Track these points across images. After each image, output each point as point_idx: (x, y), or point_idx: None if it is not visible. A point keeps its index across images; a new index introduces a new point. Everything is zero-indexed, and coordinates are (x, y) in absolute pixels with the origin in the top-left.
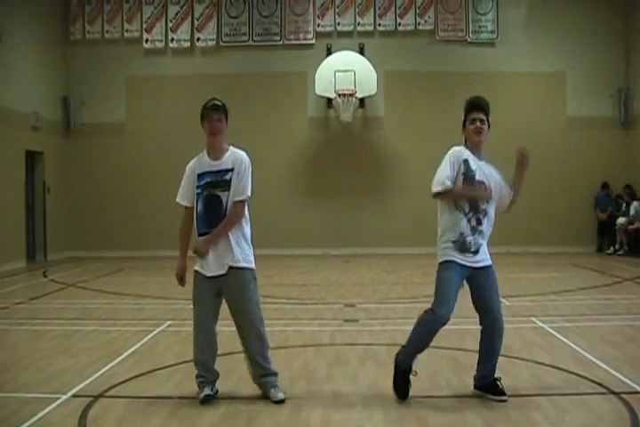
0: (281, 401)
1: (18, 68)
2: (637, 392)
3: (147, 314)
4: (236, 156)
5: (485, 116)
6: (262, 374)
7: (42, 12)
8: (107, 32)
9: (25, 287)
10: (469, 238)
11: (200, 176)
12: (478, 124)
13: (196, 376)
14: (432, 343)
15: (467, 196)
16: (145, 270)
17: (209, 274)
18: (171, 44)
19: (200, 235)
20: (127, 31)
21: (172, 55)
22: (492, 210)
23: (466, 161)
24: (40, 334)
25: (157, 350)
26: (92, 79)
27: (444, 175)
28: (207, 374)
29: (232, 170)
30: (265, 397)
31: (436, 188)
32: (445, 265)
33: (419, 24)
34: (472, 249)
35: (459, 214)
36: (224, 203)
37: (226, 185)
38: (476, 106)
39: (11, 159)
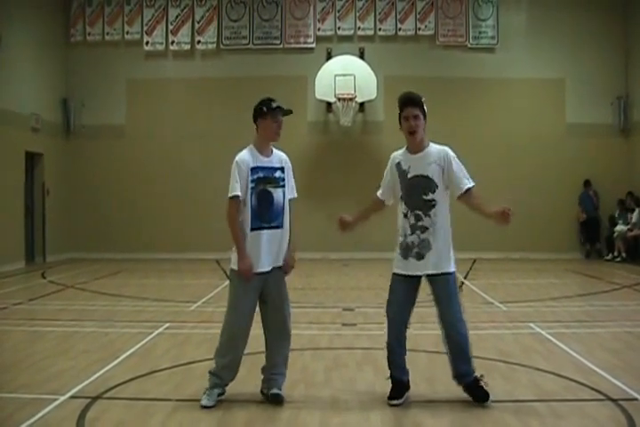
0: (278, 398)
1: (18, 70)
2: (635, 399)
3: (145, 316)
4: (281, 155)
5: (420, 110)
6: (277, 371)
7: (42, 14)
8: (107, 34)
9: (24, 288)
10: (410, 238)
11: (253, 170)
12: (412, 122)
13: (215, 375)
14: (430, 348)
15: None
16: (144, 272)
17: (260, 270)
18: (171, 47)
19: (253, 229)
20: (128, 33)
21: (173, 58)
22: (441, 201)
23: (397, 164)
24: (38, 335)
25: (156, 352)
26: (93, 81)
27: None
28: (229, 380)
29: (281, 169)
30: (263, 397)
31: None
32: (392, 277)
33: (419, 29)
34: (415, 250)
35: (399, 215)
36: (275, 199)
37: (275, 182)
38: (408, 101)
39: (10, 161)
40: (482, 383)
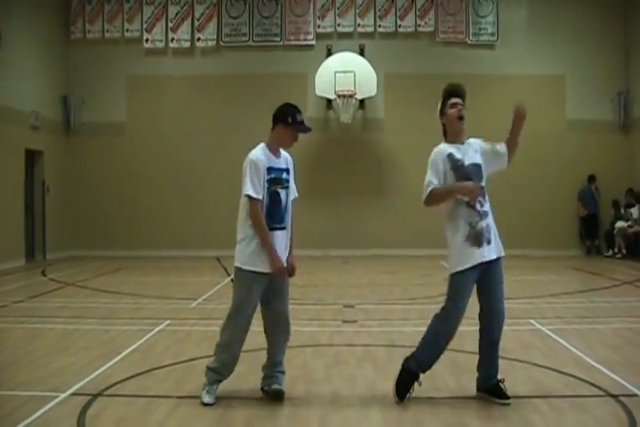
0: (279, 393)
1: (18, 67)
2: (635, 395)
3: (146, 313)
4: (287, 156)
5: (463, 100)
6: (279, 369)
7: (42, 12)
8: (107, 31)
9: (24, 286)
10: (480, 225)
11: (268, 170)
12: (460, 107)
13: (215, 371)
14: None
15: (450, 193)
16: (144, 270)
17: (267, 271)
18: (171, 44)
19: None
20: (127, 31)
21: (173, 55)
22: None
23: (450, 155)
24: (39, 332)
25: (156, 349)
26: (93, 79)
27: (426, 183)
28: (227, 375)
29: (286, 170)
30: (263, 393)
31: (423, 197)
32: (458, 277)
33: (419, 26)
34: (486, 236)
35: (461, 206)
36: (282, 200)
37: (282, 183)
38: (455, 92)
39: (10, 158)
40: (502, 386)
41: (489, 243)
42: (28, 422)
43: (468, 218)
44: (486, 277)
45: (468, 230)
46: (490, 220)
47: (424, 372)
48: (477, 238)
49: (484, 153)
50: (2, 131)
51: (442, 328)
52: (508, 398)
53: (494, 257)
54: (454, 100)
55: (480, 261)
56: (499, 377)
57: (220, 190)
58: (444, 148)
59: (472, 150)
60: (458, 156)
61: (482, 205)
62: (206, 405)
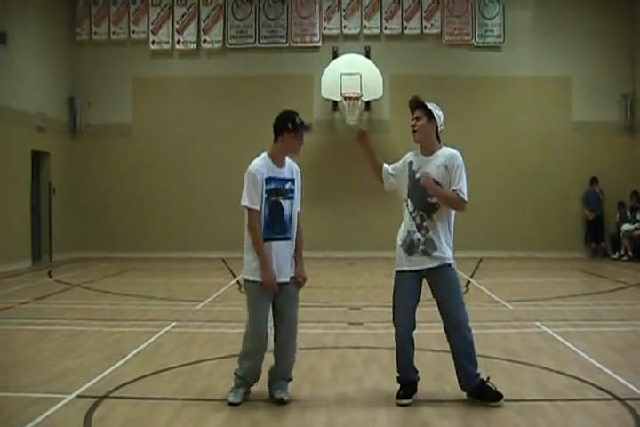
0: (283, 402)
1: (24, 69)
2: None
3: (152, 315)
4: (293, 166)
5: (422, 111)
6: (284, 377)
7: (48, 13)
8: (113, 33)
9: (30, 287)
10: (416, 236)
11: (267, 180)
12: (412, 122)
13: (240, 377)
14: (437, 348)
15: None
16: (150, 271)
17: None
18: (177, 46)
19: (265, 240)
20: (133, 32)
21: (179, 57)
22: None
23: (410, 163)
24: (45, 334)
25: (162, 351)
26: (98, 80)
27: None
28: (253, 381)
29: (291, 180)
30: (269, 396)
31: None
32: (397, 276)
33: (425, 28)
34: (420, 248)
35: (406, 213)
36: (285, 211)
37: (286, 193)
38: (411, 104)
39: (17, 159)
40: (489, 385)
41: (424, 255)
42: (34, 424)
43: (408, 226)
44: (432, 285)
45: (404, 236)
46: (432, 235)
47: (412, 376)
48: (410, 247)
49: (449, 169)
50: (8, 132)
51: (395, 337)
52: (497, 397)
53: (430, 266)
54: (412, 115)
55: (413, 268)
56: (483, 377)
57: (225, 192)
58: (411, 155)
59: (434, 165)
60: (415, 166)
61: (422, 220)
62: (231, 404)
